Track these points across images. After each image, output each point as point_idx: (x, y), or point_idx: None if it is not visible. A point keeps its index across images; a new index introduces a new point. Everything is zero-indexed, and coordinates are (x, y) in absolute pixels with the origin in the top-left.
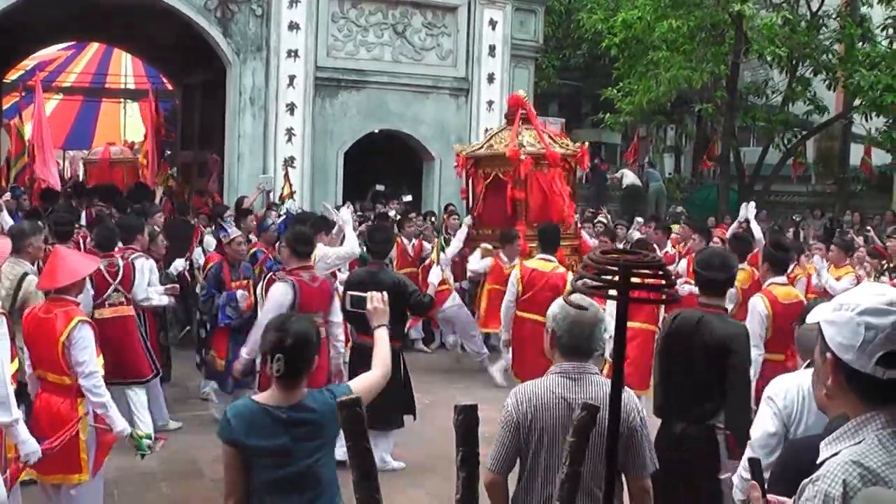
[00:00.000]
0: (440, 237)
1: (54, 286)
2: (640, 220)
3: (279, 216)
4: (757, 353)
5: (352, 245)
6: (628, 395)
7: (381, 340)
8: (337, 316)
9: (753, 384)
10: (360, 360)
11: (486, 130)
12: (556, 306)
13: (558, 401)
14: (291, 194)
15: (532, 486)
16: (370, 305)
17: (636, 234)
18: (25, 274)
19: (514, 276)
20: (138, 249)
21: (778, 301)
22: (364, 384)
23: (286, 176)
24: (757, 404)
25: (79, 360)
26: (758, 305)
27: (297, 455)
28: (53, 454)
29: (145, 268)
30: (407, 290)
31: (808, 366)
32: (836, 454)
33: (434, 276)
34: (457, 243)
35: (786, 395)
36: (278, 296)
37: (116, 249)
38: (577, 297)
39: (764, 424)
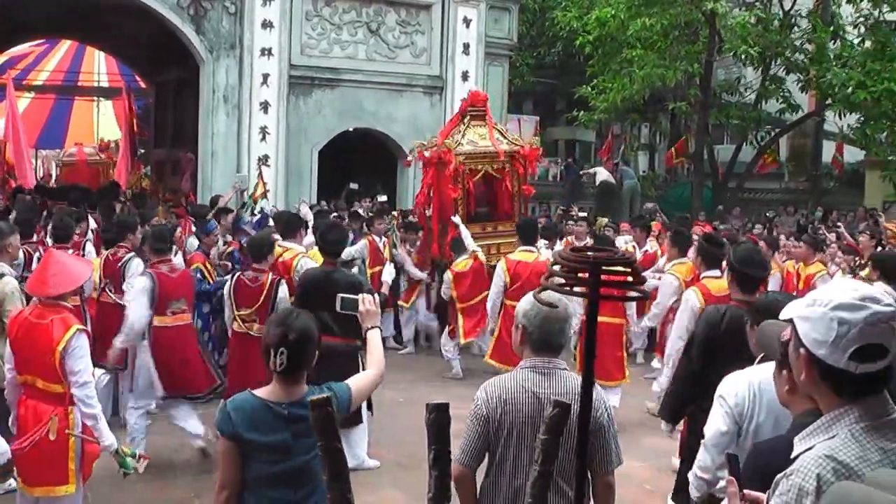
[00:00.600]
0: (393, 234)
1: (49, 294)
2: (603, 219)
3: (252, 215)
4: (681, 346)
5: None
6: (597, 391)
7: (375, 342)
8: None
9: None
10: (324, 360)
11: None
12: (527, 303)
13: (528, 395)
14: (265, 194)
15: (500, 480)
16: (362, 307)
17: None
18: (2, 275)
19: (501, 267)
20: (129, 248)
21: (711, 294)
22: (362, 384)
23: (260, 175)
24: None
25: (74, 370)
26: (691, 299)
27: (296, 451)
28: (41, 464)
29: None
30: (362, 289)
31: (760, 361)
32: (809, 449)
33: (387, 275)
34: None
35: (736, 394)
36: (139, 286)
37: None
38: (546, 295)
39: (716, 423)
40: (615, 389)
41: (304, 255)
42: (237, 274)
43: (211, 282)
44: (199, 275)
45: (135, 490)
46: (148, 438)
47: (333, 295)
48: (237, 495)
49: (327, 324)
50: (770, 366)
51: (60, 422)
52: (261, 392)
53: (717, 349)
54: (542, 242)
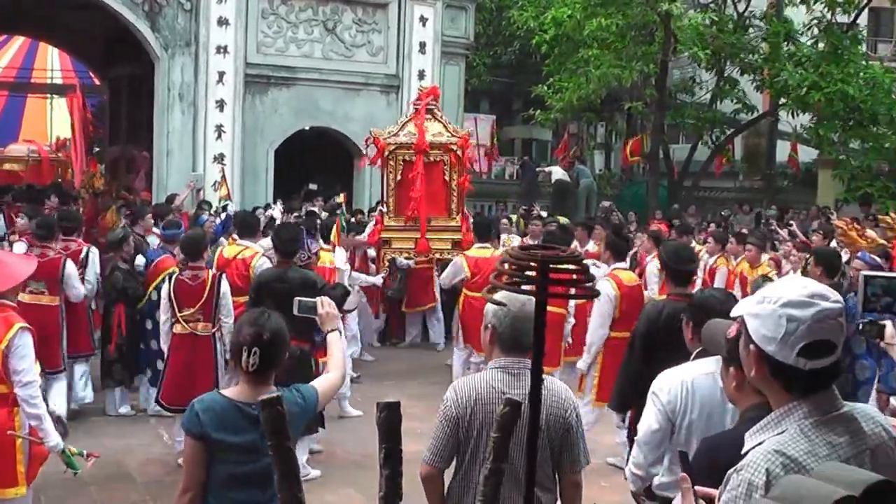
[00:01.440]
0: (341, 217)
1: None
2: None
3: (216, 216)
4: (603, 333)
5: None
6: (567, 392)
7: (335, 344)
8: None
9: (600, 360)
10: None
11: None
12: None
13: (498, 396)
14: (228, 196)
15: (469, 481)
16: (321, 310)
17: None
18: None
19: (462, 263)
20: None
21: (623, 283)
22: (327, 385)
23: (224, 178)
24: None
25: (17, 369)
26: (606, 288)
27: (264, 452)
28: None
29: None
30: (316, 286)
31: (696, 357)
32: (760, 444)
33: (339, 261)
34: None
35: (669, 391)
36: None
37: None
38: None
39: (648, 421)
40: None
41: (262, 255)
42: (174, 275)
43: None
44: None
45: (89, 493)
46: (101, 440)
47: (288, 295)
48: (200, 497)
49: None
50: (704, 362)
51: (5, 423)
52: (229, 392)
53: (657, 343)
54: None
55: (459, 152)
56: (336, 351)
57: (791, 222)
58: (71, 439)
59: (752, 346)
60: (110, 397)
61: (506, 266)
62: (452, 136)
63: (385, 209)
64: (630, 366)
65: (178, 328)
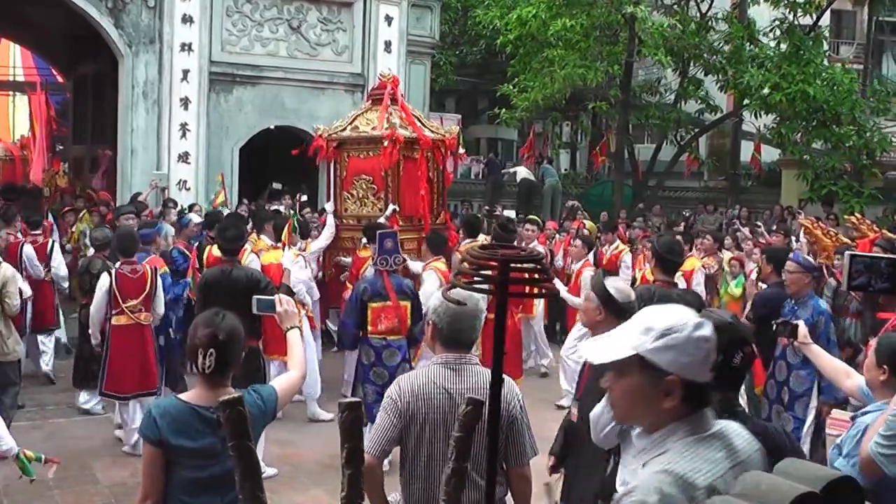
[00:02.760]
0: (294, 217)
1: None
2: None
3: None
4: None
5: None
6: (509, 383)
7: (295, 343)
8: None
9: None
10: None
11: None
12: (436, 299)
13: (440, 391)
14: (224, 203)
15: (415, 475)
16: (279, 308)
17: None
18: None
19: (438, 277)
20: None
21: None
22: (287, 384)
23: (221, 183)
24: None
25: None
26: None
27: (223, 456)
28: None
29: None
30: (260, 284)
31: None
32: (645, 465)
33: (287, 260)
34: (327, 235)
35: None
36: None
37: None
38: (455, 293)
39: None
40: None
41: (249, 252)
42: (113, 270)
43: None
44: (168, 280)
45: (52, 497)
46: (65, 442)
47: (233, 293)
48: (161, 503)
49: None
50: None
51: None
52: (187, 396)
53: None
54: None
55: (444, 149)
56: (296, 350)
57: (758, 223)
58: (36, 440)
59: (669, 377)
60: (83, 395)
61: (465, 266)
62: (433, 131)
63: (396, 207)
64: None
65: (122, 319)
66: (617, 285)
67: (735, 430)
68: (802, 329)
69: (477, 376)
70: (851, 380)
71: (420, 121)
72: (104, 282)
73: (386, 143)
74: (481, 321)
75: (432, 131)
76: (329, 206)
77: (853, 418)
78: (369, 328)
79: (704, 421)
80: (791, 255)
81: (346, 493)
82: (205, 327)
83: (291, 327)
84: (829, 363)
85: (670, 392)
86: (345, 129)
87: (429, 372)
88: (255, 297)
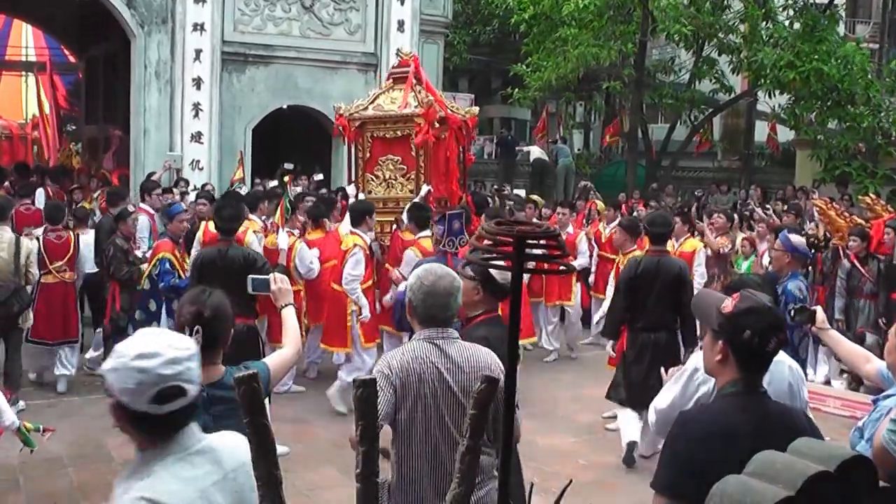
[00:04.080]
0: (285, 198)
1: None
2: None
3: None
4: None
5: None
6: (492, 357)
7: (290, 319)
8: None
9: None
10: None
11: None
12: (413, 277)
13: (429, 366)
14: (242, 180)
15: (408, 452)
16: (274, 286)
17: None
18: (18, 237)
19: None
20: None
21: (427, 250)
22: (280, 361)
23: (240, 162)
24: None
25: None
26: (409, 255)
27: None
28: None
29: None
30: (256, 264)
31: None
32: (128, 491)
33: (282, 241)
34: None
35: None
36: None
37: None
38: (432, 269)
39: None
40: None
41: (251, 231)
42: (42, 236)
43: (182, 276)
44: (167, 265)
45: (67, 475)
46: (80, 421)
47: (230, 273)
48: None
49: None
50: None
51: None
52: None
53: (635, 287)
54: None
55: (465, 130)
56: (290, 327)
57: (767, 205)
58: (50, 418)
59: (112, 399)
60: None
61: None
62: (455, 111)
63: (430, 188)
64: (617, 304)
65: (49, 278)
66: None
67: (222, 444)
68: (821, 315)
69: (463, 351)
70: (871, 364)
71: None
72: (34, 246)
73: (421, 122)
74: (457, 300)
75: (454, 111)
76: (351, 190)
77: (875, 401)
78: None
79: (188, 440)
80: (781, 234)
81: (360, 470)
82: (190, 304)
83: (286, 304)
84: (848, 348)
85: (112, 414)
86: (366, 108)
87: (414, 347)
88: (250, 276)
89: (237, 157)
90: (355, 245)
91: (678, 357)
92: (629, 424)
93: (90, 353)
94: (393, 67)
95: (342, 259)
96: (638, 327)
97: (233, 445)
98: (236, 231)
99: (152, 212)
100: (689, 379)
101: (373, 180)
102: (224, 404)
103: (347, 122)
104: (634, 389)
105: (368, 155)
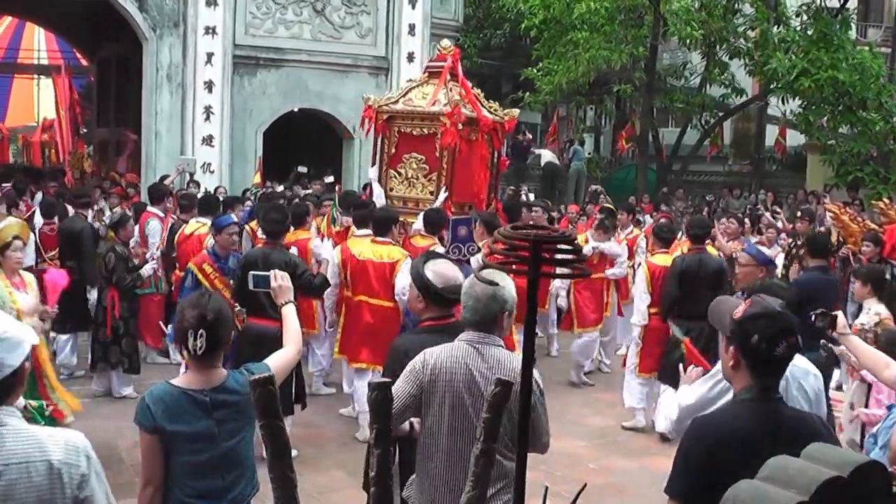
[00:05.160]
0: (334, 209)
1: None
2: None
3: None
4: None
5: None
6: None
7: (290, 317)
8: None
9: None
10: (250, 343)
11: (408, 80)
12: (468, 280)
13: (463, 367)
14: (262, 184)
15: (432, 452)
16: (274, 283)
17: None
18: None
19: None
20: None
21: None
22: (280, 362)
23: (260, 166)
24: None
25: None
26: (334, 253)
27: (221, 438)
28: None
29: None
30: (297, 270)
31: None
32: None
33: (326, 251)
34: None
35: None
36: None
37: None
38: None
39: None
40: None
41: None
42: (39, 228)
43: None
44: (191, 279)
45: None
46: (90, 422)
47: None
48: (161, 490)
49: (264, 306)
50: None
51: None
52: (179, 381)
53: (685, 279)
54: None
55: (501, 133)
56: (291, 325)
57: (777, 209)
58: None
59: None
60: (115, 379)
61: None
62: (492, 112)
63: (446, 194)
64: (670, 291)
65: (45, 266)
66: (438, 269)
67: (26, 437)
68: (841, 320)
69: (499, 357)
70: (890, 370)
71: (479, 100)
72: (34, 237)
73: (448, 122)
74: (500, 304)
75: (491, 112)
76: (373, 173)
77: (889, 408)
78: None
79: None
80: (744, 246)
81: (376, 472)
82: (192, 309)
83: (286, 302)
84: (868, 354)
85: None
86: (397, 101)
87: (454, 347)
88: (251, 273)
89: (256, 163)
90: (406, 257)
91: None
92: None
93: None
94: (430, 61)
95: (391, 272)
96: (686, 315)
97: (38, 443)
98: (281, 234)
99: (162, 215)
100: (717, 382)
101: (395, 177)
102: (227, 408)
103: (375, 114)
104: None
105: (394, 150)
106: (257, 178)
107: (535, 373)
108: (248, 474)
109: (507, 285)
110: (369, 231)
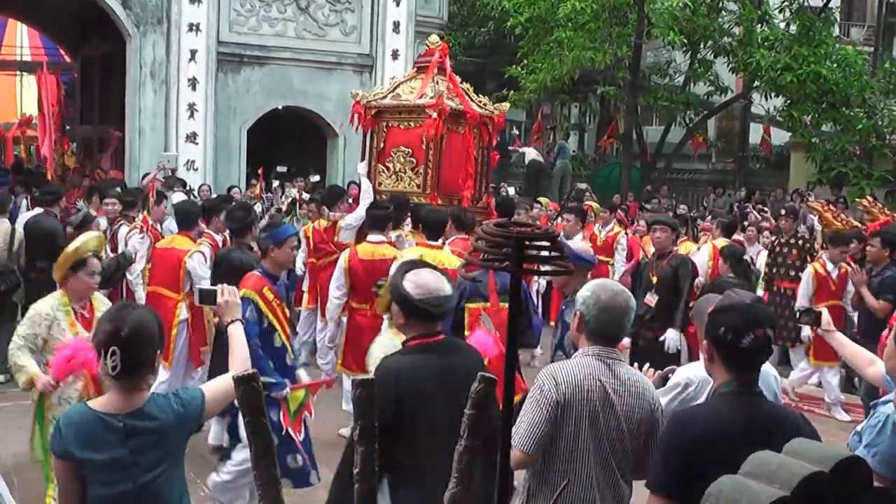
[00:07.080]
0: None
1: None
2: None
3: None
4: (338, 294)
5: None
6: (652, 388)
7: (237, 338)
8: None
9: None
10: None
11: (392, 78)
12: (587, 289)
13: (597, 384)
14: (259, 196)
15: (563, 470)
16: (220, 299)
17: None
18: (13, 229)
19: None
20: None
21: (357, 257)
22: (217, 389)
23: (260, 177)
24: None
25: None
26: (340, 260)
27: (136, 469)
28: None
29: None
30: (245, 273)
31: None
32: None
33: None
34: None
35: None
36: None
37: None
38: (605, 285)
39: None
40: None
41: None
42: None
43: (276, 326)
44: (251, 310)
45: None
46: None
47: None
48: None
49: None
50: None
51: None
52: (96, 403)
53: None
54: None
55: (491, 127)
56: (237, 346)
57: (764, 208)
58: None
59: None
60: None
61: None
62: (481, 107)
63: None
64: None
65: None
66: (418, 279)
67: None
68: (826, 316)
69: (628, 373)
70: (874, 367)
71: (468, 94)
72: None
73: (433, 114)
74: (630, 318)
75: (480, 107)
76: (362, 168)
77: (873, 406)
78: (466, 334)
79: None
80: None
81: (359, 470)
82: (108, 322)
83: (233, 320)
84: (852, 350)
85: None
86: (385, 96)
87: (584, 364)
88: (197, 287)
89: (259, 173)
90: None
91: None
92: None
93: None
94: (419, 56)
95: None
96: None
97: None
98: (245, 233)
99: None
100: (679, 394)
101: (383, 172)
102: (144, 436)
103: (364, 109)
104: None
105: (382, 145)
106: (256, 190)
107: (656, 392)
108: None
109: (630, 297)
110: (382, 237)
